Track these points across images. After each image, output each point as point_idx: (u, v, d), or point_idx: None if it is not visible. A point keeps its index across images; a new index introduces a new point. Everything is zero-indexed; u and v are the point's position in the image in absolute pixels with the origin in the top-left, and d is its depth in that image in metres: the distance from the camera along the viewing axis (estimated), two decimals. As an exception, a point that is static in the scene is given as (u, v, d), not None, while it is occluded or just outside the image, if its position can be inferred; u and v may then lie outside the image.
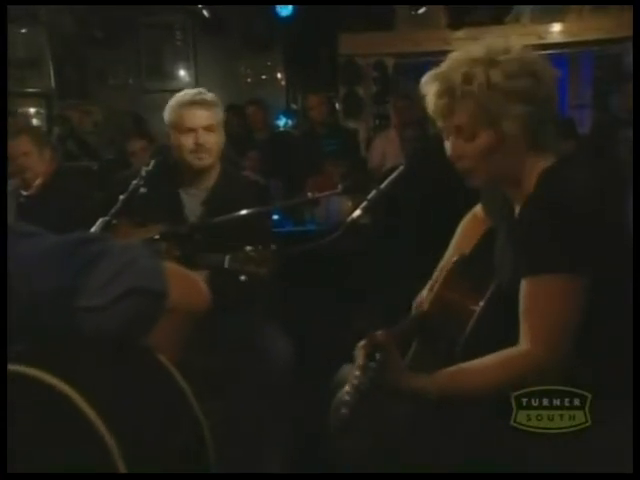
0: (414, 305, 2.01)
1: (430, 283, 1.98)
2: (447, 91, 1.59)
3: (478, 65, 1.57)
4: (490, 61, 1.57)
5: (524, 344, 1.53)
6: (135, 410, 1.10)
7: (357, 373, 1.54)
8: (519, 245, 1.60)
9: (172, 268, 1.12)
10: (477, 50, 1.60)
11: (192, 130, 2.59)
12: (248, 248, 2.18)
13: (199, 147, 2.59)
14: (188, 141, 2.58)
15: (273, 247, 2.20)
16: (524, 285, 1.54)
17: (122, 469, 0.98)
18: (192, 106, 2.61)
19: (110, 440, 0.99)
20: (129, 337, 1.08)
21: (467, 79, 1.57)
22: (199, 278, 1.19)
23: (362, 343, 1.60)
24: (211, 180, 2.69)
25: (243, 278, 2.19)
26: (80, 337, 1.05)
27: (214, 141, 2.63)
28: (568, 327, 1.51)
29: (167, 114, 2.65)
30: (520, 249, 1.59)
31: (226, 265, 2.19)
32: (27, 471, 1.04)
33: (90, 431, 0.99)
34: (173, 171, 2.67)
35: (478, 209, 2.02)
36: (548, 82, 1.60)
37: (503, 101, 1.56)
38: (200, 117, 2.60)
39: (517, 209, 1.69)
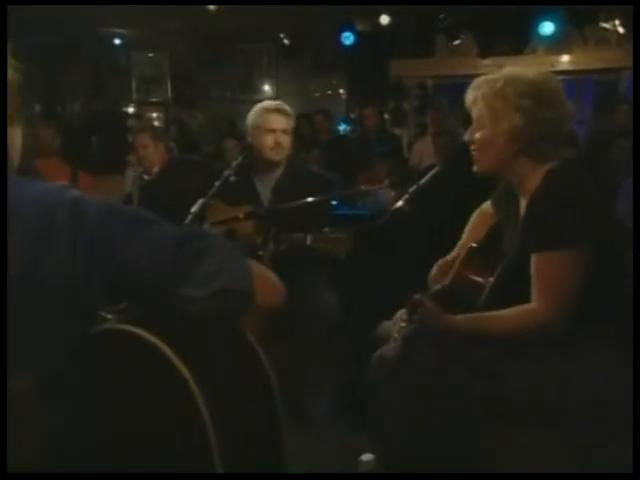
0: (433, 271, 1.91)
1: (445, 259, 1.91)
2: (475, 89, 1.60)
3: (500, 78, 1.57)
4: (508, 77, 1.56)
5: (534, 303, 1.50)
6: (218, 368, 1.04)
7: (403, 324, 1.51)
8: (527, 227, 1.55)
9: (256, 268, 1.03)
10: (506, 70, 1.60)
11: (273, 131, 2.56)
12: (326, 229, 2.07)
13: (277, 145, 2.56)
14: (269, 140, 2.55)
15: (346, 231, 2.04)
16: (534, 259, 1.51)
17: (206, 416, 0.92)
18: (274, 112, 2.59)
19: (197, 391, 0.92)
20: (219, 324, 1.03)
21: (488, 84, 1.58)
22: (275, 277, 1.08)
23: (405, 306, 1.57)
24: (279, 171, 2.66)
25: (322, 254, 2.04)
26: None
27: (287, 141, 2.60)
28: (571, 291, 1.47)
29: (252, 117, 2.62)
30: (528, 231, 1.54)
31: (308, 243, 2.05)
32: (118, 414, 0.97)
33: (180, 383, 0.92)
34: (252, 164, 2.64)
35: (485, 206, 1.96)
36: (550, 106, 1.53)
37: (508, 109, 1.53)
38: (280, 122, 2.58)
39: (522, 202, 1.63)
